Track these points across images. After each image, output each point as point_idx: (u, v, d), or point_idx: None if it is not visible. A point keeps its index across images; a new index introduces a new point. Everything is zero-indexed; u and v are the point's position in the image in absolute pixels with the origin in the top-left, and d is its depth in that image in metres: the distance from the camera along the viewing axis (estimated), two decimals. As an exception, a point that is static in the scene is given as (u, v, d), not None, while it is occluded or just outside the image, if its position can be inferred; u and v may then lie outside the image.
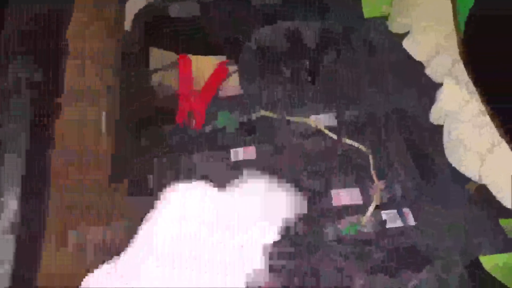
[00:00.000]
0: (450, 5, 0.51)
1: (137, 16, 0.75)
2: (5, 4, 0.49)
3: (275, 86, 0.68)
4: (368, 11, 0.63)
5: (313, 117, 0.65)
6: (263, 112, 0.67)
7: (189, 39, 0.74)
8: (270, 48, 0.70)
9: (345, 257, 0.54)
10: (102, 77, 0.58)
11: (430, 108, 0.57)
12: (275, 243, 0.55)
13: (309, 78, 0.68)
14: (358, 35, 0.66)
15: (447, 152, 0.55)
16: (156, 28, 0.74)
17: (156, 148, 0.65)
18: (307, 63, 0.68)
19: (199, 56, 0.73)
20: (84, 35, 0.55)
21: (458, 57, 0.54)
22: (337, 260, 0.54)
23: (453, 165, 0.54)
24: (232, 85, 0.71)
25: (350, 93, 0.65)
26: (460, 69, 0.53)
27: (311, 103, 0.66)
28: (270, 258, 0.53)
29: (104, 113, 0.58)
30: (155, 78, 0.73)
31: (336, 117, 0.65)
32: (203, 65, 0.72)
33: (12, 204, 0.43)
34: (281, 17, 0.71)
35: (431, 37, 0.58)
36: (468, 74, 0.49)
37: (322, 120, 0.65)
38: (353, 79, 0.64)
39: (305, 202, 0.55)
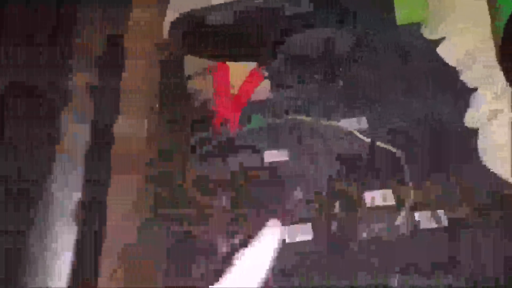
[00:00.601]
0: (487, 7, 0.52)
1: (174, 24, 0.78)
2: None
3: (306, 91, 0.70)
4: (403, 14, 0.63)
5: (344, 120, 0.67)
6: (294, 116, 0.68)
7: (223, 46, 0.76)
8: (302, 54, 0.72)
9: (379, 256, 0.55)
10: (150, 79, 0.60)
11: (464, 111, 0.58)
12: (309, 242, 0.57)
13: (341, 83, 0.69)
14: (391, 41, 0.67)
15: (482, 155, 0.55)
16: (192, 36, 0.77)
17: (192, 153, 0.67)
18: (339, 68, 0.69)
19: (233, 63, 0.75)
20: (142, 35, 0.57)
21: (491, 63, 0.55)
22: (371, 259, 0.55)
23: (488, 167, 0.55)
24: (263, 89, 0.73)
25: (382, 97, 0.66)
26: (496, 72, 0.53)
27: (343, 107, 0.68)
28: (304, 255, 0.55)
29: (145, 120, 0.61)
30: (191, 85, 0.75)
31: (368, 121, 0.66)
32: (237, 72, 0.74)
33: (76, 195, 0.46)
34: (313, 24, 0.73)
35: (468, 39, 0.59)
36: (505, 75, 0.50)
37: (353, 124, 0.66)
38: (386, 83, 0.66)
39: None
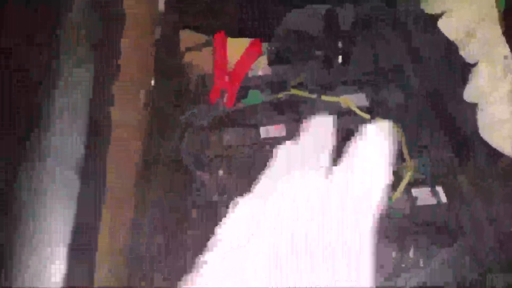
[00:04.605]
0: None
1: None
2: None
3: (306, 67, 0.69)
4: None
5: (344, 97, 0.66)
6: (293, 91, 0.67)
7: (220, 21, 0.75)
8: (302, 30, 0.70)
9: (377, 232, 0.55)
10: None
11: (464, 86, 0.58)
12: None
13: (340, 59, 0.69)
14: (392, 15, 0.66)
15: (481, 129, 0.55)
16: (188, 10, 0.75)
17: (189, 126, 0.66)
18: (340, 44, 0.68)
19: (231, 38, 0.74)
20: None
21: (492, 37, 0.54)
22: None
23: (487, 142, 0.55)
24: (262, 64, 0.72)
25: (382, 73, 0.65)
26: (494, 48, 0.53)
27: (342, 84, 0.67)
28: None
29: (143, 92, 0.60)
30: (187, 58, 0.74)
31: (367, 97, 0.65)
32: (236, 46, 0.72)
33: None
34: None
35: (465, 18, 0.58)
36: (510, 46, 0.49)
37: (353, 100, 0.65)
38: (386, 59, 0.65)
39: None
